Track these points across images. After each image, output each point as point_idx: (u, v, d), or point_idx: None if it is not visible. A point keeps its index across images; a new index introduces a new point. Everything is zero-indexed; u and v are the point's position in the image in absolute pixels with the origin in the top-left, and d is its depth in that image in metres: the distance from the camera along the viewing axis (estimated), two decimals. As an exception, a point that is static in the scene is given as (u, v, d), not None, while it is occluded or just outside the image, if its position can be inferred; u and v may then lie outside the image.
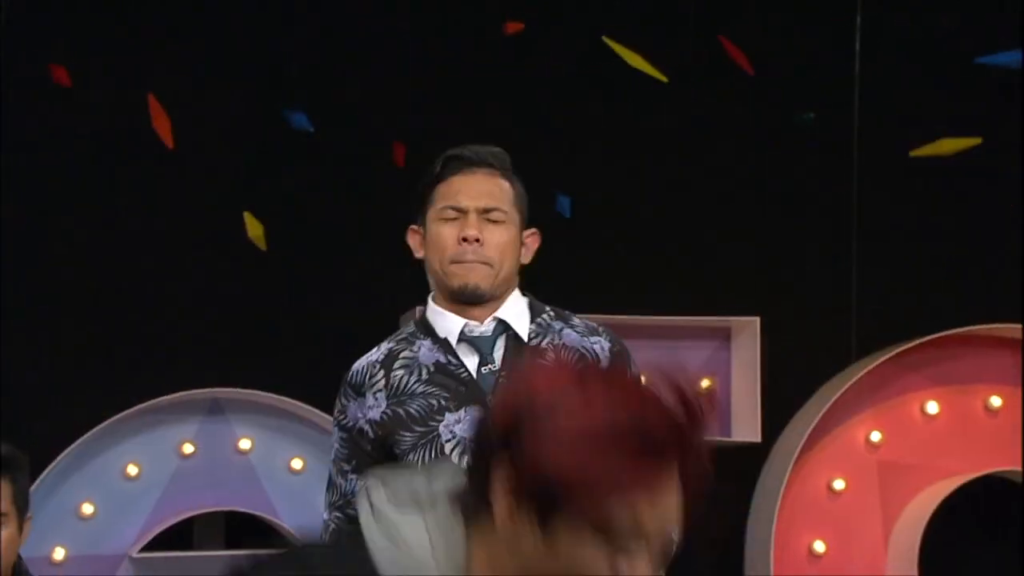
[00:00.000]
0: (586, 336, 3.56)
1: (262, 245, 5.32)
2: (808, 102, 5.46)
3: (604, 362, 3.55)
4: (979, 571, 5.58)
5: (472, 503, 2.01)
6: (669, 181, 5.54)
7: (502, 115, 5.44)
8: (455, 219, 3.42)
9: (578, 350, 3.54)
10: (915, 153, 5.32)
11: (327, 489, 3.64)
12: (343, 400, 3.53)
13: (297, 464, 5.38)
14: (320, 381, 4.91)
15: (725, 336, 5.46)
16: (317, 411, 5.22)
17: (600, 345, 3.55)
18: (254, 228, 4.93)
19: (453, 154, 3.47)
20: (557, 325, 3.57)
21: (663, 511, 1.92)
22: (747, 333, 5.31)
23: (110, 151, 5.28)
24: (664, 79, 5.35)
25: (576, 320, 3.60)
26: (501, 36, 5.39)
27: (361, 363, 3.51)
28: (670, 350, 5.49)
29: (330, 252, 5.57)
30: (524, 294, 3.57)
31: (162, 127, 5.23)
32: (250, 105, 5.28)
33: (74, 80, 5.13)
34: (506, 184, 3.45)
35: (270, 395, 5.22)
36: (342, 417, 3.51)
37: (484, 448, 2.00)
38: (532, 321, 3.55)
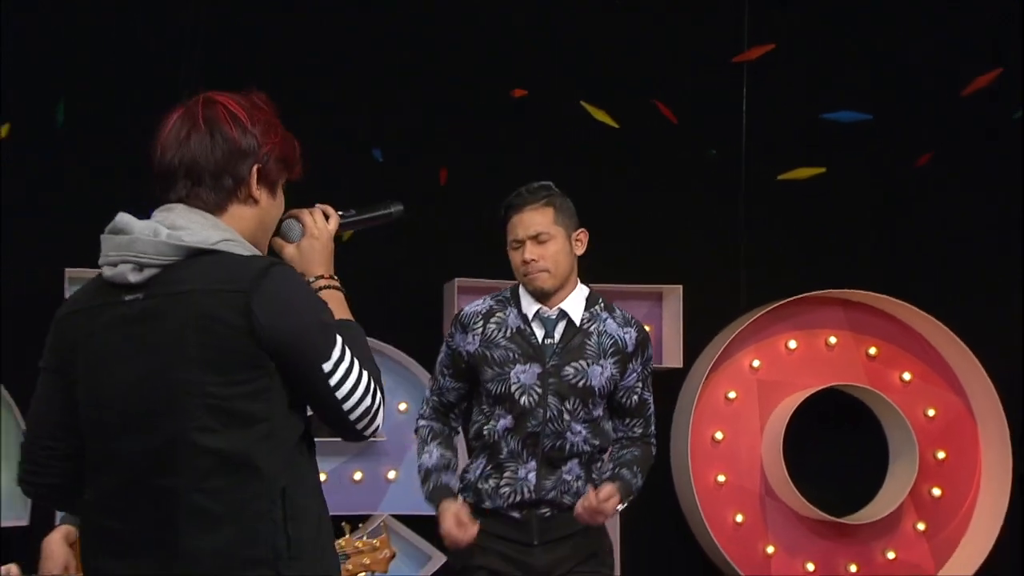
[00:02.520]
0: (621, 327, 3.67)
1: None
2: (712, 141, 5.71)
3: (631, 347, 3.66)
4: (820, 447, 5.69)
5: (221, 199, 2.33)
6: (624, 193, 5.69)
7: (515, 152, 5.52)
8: (518, 248, 3.61)
9: (613, 336, 3.65)
10: (781, 177, 5.63)
11: (429, 384, 3.83)
12: (453, 328, 3.71)
13: (403, 406, 5.34)
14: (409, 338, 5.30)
15: (658, 298, 5.62)
16: (414, 361, 5.30)
17: (630, 335, 3.66)
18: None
19: (508, 202, 3.66)
20: (603, 315, 3.66)
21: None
22: (673, 296, 5.55)
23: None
24: (616, 125, 5.52)
25: (617, 312, 3.70)
26: (506, 97, 5.51)
27: (469, 309, 3.70)
28: (625, 305, 5.18)
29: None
30: (588, 286, 3.72)
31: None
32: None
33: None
34: (548, 210, 3.60)
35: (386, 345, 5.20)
36: (450, 339, 3.70)
37: (241, 165, 2.32)
38: (586, 310, 3.64)
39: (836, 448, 5.75)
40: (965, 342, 5.60)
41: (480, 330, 3.64)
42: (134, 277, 2.28)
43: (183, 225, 2.29)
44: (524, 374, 3.58)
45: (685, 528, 5.57)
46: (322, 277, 2.45)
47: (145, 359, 2.27)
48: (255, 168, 2.32)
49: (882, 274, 5.75)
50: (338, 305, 2.42)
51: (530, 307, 3.61)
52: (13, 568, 3.45)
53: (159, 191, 2.37)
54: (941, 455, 5.67)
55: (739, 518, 5.56)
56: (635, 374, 3.66)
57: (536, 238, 3.58)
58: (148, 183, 5.32)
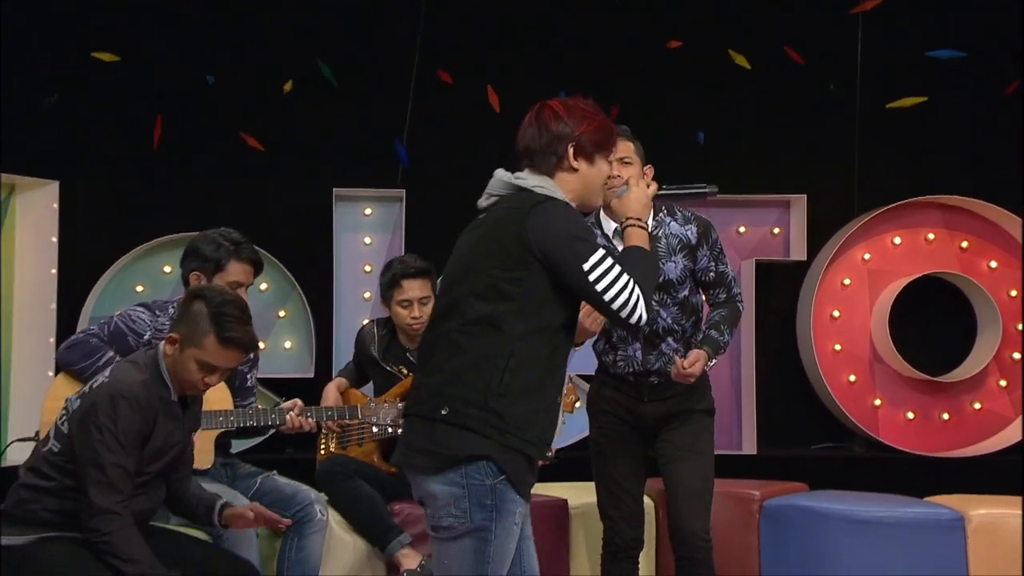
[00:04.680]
0: (683, 225, 3.65)
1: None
2: (832, 78, 5.70)
3: (695, 240, 3.62)
4: (919, 322, 5.59)
5: (550, 168, 2.72)
6: (760, 122, 5.68)
7: (673, 91, 5.55)
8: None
9: (678, 235, 3.63)
10: (889, 105, 5.67)
11: None
12: None
13: None
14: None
15: (787, 205, 5.62)
16: None
17: (691, 231, 3.64)
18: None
19: None
20: (667, 220, 3.65)
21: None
22: (799, 203, 5.54)
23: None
24: (748, 67, 5.61)
25: (678, 213, 3.67)
26: (663, 48, 5.61)
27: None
28: (760, 211, 5.60)
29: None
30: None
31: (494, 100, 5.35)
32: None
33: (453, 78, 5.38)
34: (631, 144, 3.60)
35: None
36: None
37: (559, 145, 2.70)
38: (653, 218, 3.62)
39: (932, 322, 5.70)
40: (1042, 235, 5.51)
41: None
42: (483, 203, 2.80)
43: (522, 177, 2.76)
44: None
45: (809, 387, 5.61)
46: (631, 219, 2.87)
47: (466, 251, 2.76)
48: (570, 147, 2.74)
49: (972, 181, 5.65)
50: (638, 238, 2.83)
51: (609, 226, 3.64)
52: (299, 401, 3.84)
53: (518, 163, 2.83)
54: (1021, 326, 5.60)
55: (852, 378, 5.57)
56: (705, 258, 3.66)
57: (622, 160, 3.59)
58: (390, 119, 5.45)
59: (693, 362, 3.53)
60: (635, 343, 3.64)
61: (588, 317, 3.19)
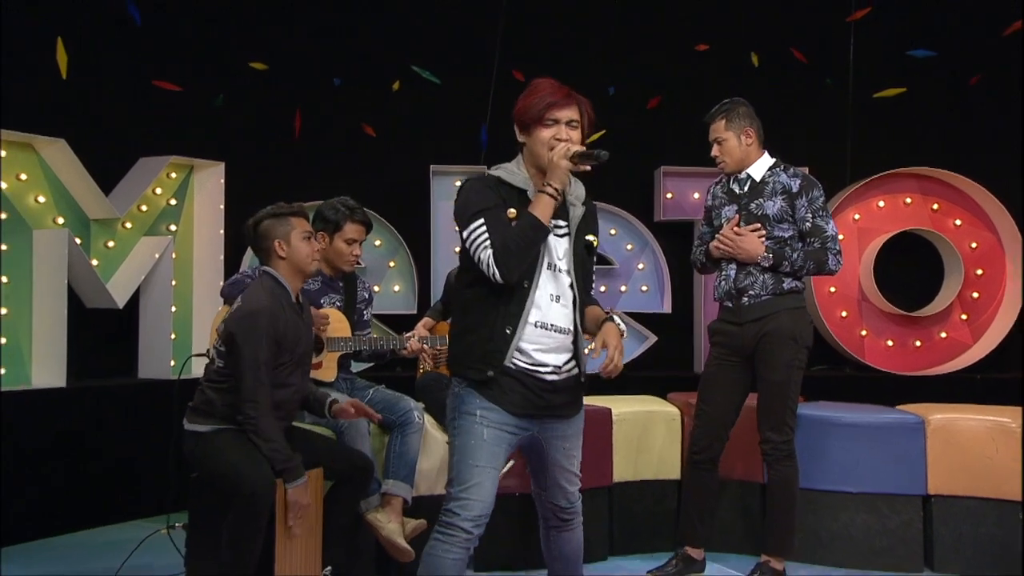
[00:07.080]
0: (790, 177, 3.54)
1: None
2: (829, 73, 5.72)
3: (796, 188, 3.48)
4: (898, 268, 5.57)
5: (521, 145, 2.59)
6: (771, 109, 4.64)
7: (700, 82, 5.47)
8: (711, 146, 3.66)
9: (783, 183, 3.52)
10: (876, 95, 5.70)
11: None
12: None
13: (629, 246, 5.35)
14: (630, 200, 5.31)
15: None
16: (633, 216, 5.33)
17: (795, 181, 3.53)
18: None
19: (704, 119, 3.65)
20: (780, 172, 3.54)
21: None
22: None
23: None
24: (757, 64, 5.63)
25: (792, 169, 3.57)
26: (692, 50, 5.62)
27: (712, 183, 3.84)
28: None
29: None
30: (772, 156, 3.59)
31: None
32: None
33: (525, 75, 5.17)
34: (721, 121, 3.59)
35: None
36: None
37: (516, 124, 2.54)
38: (768, 170, 3.54)
39: (908, 269, 5.70)
40: (997, 198, 5.58)
41: (712, 191, 3.81)
42: None
43: None
44: (728, 211, 3.67)
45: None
46: (545, 184, 2.57)
47: None
48: (516, 125, 2.67)
49: (942, 156, 5.66)
50: (537, 203, 2.53)
51: (732, 177, 3.74)
52: (418, 336, 3.82)
53: None
54: (979, 272, 5.68)
55: (844, 314, 5.65)
56: (804, 208, 3.53)
57: (716, 141, 3.61)
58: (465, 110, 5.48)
59: (744, 232, 3.48)
60: (732, 264, 3.58)
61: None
